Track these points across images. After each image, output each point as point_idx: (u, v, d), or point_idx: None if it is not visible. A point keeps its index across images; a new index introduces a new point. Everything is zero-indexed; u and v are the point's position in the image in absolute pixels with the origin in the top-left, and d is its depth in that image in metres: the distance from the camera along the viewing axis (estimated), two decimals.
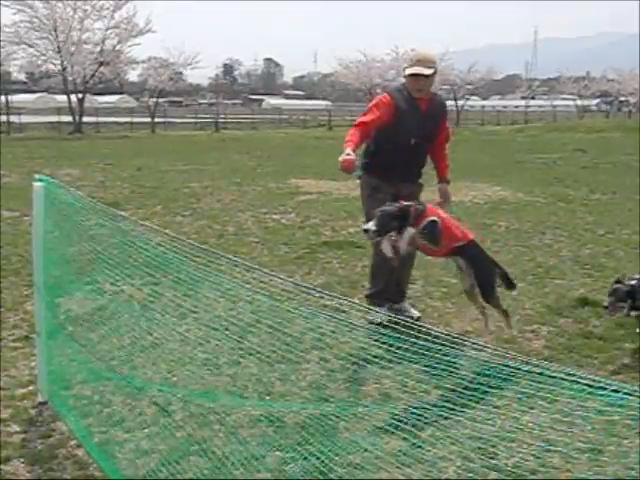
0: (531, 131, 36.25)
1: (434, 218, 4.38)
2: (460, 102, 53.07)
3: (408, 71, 4.78)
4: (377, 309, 4.82)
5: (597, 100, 78.15)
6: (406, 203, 4.36)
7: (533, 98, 76.09)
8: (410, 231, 4.34)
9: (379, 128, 4.76)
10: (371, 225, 4.30)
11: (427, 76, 4.72)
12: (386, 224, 4.29)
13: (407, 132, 4.77)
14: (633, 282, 4.38)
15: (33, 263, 3.54)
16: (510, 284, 4.83)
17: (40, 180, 3.43)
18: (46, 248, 3.56)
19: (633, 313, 4.39)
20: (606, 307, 4.38)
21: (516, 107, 74.83)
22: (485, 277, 4.62)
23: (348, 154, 4.34)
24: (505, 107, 78.99)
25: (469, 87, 54.82)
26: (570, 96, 68.07)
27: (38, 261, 3.46)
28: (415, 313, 5.10)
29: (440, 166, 5.20)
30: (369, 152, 4.95)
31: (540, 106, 73.62)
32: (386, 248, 4.40)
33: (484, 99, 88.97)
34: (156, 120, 39.79)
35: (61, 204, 3.63)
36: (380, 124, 4.73)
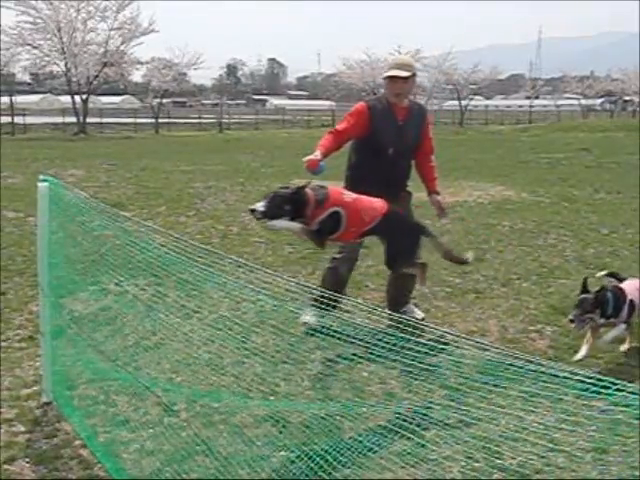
0: (535, 131, 36.20)
1: (336, 209, 3.96)
2: (464, 102, 53.02)
3: (385, 74, 4.75)
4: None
5: (601, 99, 77.95)
6: (304, 186, 3.95)
7: (537, 98, 75.97)
8: (296, 226, 3.96)
9: (357, 137, 4.74)
10: (260, 205, 3.82)
11: (404, 79, 4.65)
12: (277, 207, 3.84)
13: (384, 141, 4.70)
14: (598, 290, 4.20)
15: (38, 263, 3.55)
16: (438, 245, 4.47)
17: (44, 181, 3.44)
18: (51, 248, 3.57)
19: (602, 321, 4.18)
20: (571, 320, 4.12)
21: (520, 107, 74.82)
22: (399, 248, 4.23)
23: (315, 155, 4.38)
24: (509, 107, 78.99)
25: (473, 87, 54.74)
26: (574, 96, 67.91)
27: (43, 261, 3.46)
28: (419, 314, 5.10)
29: (427, 179, 5.06)
30: (350, 164, 4.90)
31: (544, 106, 73.59)
32: (274, 225, 3.99)
33: (488, 99, 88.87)
34: (160, 121, 39.87)
35: (65, 205, 3.64)
36: (354, 133, 4.71)
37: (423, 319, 5.03)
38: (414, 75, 4.77)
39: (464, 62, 56.21)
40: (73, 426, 3.38)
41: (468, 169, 15.96)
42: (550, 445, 3.22)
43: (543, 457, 3.06)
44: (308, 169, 4.43)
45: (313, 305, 4.77)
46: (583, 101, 64.08)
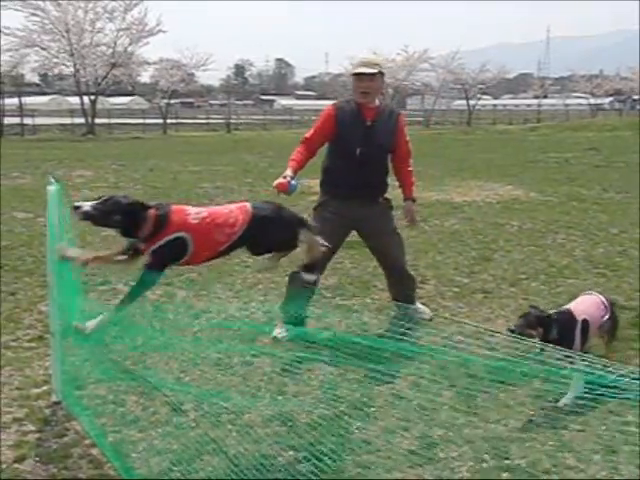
0: (543, 130, 36.10)
1: (180, 234, 3.33)
2: (472, 102, 52.93)
3: (351, 72, 4.70)
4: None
5: (610, 98, 77.62)
6: (145, 202, 3.38)
7: (545, 97, 75.76)
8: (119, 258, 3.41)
9: (326, 141, 4.72)
10: (87, 205, 3.22)
11: (371, 76, 4.56)
12: (106, 213, 3.22)
13: (351, 142, 4.63)
14: (551, 313, 3.90)
15: (47, 264, 3.57)
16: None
17: (54, 183, 3.46)
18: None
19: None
20: (512, 331, 3.82)
21: (528, 106, 74.60)
22: (274, 244, 3.64)
23: (284, 176, 4.40)
24: (517, 106, 78.78)
25: (481, 86, 54.66)
26: (583, 94, 67.65)
27: (52, 262, 3.48)
28: (427, 313, 5.10)
29: (404, 184, 4.90)
30: (323, 167, 4.84)
31: (552, 105, 73.32)
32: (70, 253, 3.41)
33: (496, 98, 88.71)
34: (168, 121, 39.99)
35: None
36: (322, 137, 4.70)
37: (431, 319, 5.04)
38: (381, 74, 4.65)
39: (472, 61, 56.12)
40: (82, 425, 3.39)
41: (476, 169, 15.93)
42: (559, 445, 3.22)
43: (552, 457, 3.06)
44: (279, 192, 4.44)
45: (283, 319, 4.79)
46: (592, 100, 63.83)
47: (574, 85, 71.86)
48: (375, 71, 4.58)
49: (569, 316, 3.91)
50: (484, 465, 3.04)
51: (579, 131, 33.13)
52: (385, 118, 4.71)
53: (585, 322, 3.93)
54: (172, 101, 45.12)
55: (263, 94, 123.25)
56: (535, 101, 71.66)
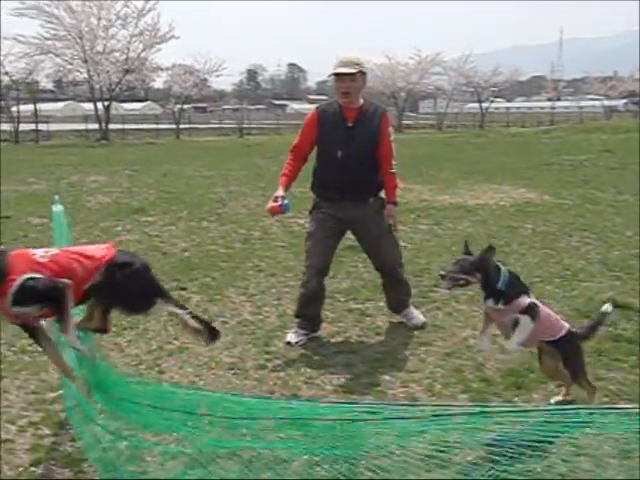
0: (557, 133, 35.89)
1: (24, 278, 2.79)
2: (484, 104, 52.75)
3: (331, 72, 4.62)
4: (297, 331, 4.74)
5: (624, 100, 77.08)
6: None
7: (559, 99, 75.33)
8: None
9: (313, 145, 4.73)
10: None
11: (351, 75, 4.50)
12: None
13: (331, 144, 4.61)
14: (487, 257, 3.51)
15: None
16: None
17: (58, 203, 3.51)
18: None
19: (490, 303, 3.47)
20: (443, 276, 3.48)
21: (542, 108, 74.18)
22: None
23: (276, 198, 4.53)
24: (530, 109, 78.37)
25: (493, 89, 54.46)
26: (597, 97, 67.24)
27: None
28: (420, 320, 5.00)
29: (385, 186, 4.74)
30: (312, 171, 4.84)
31: (566, 107, 72.88)
32: None
33: (509, 101, 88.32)
34: (181, 126, 40.18)
35: (88, 211, 3.70)
36: (308, 143, 4.72)
37: (424, 324, 4.97)
38: (363, 73, 4.57)
39: (484, 64, 55.97)
40: (96, 429, 3.41)
41: (489, 172, 15.86)
42: (575, 449, 3.19)
43: (567, 461, 3.03)
44: (274, 215, 4.63)
45: (297, 325, 4.80)
46: (606, 102, 63.43)
47: (588, 87, 71.51)
48: (355, 71, 4.50)
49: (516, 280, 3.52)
50: (500, 469, 3.02)
51: (593, 133, 32.90)
52: (368, 118, 4.63)
53: (536, 307, 3.50)
54: (185, 106, 45.30)
55: (275, 98, 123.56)
56: (548, 104, 71.28)
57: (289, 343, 4.64)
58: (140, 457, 3.13)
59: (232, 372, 4.17)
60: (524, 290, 3.51)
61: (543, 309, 3.56)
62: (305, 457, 3.12)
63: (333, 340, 4.81)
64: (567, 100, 78.16)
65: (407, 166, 17.48)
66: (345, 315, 5.29)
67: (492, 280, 3.43)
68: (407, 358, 4.42)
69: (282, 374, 4.13)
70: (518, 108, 78.37)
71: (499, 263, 3.59)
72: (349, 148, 4.57)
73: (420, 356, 4.45)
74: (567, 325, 3.66)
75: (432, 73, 51.05)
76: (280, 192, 4.59)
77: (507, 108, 67.40)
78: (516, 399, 3.68)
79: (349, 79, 4.51)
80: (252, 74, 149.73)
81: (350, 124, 4.60)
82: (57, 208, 3.58)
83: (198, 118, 56.17)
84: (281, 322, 5.12)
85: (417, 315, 5.05)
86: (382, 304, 5.52)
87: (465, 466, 3.06)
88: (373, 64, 51.12)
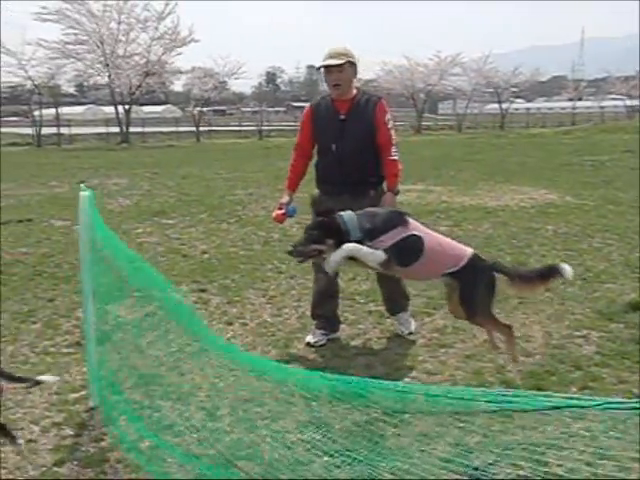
0: (578, 133, 35.58)
1: None
2: (504, 105, 52.41)
3: (318, 65, 4.57)
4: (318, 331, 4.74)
5: None
6: None
7: (580, 99, 74.62)
8: None
9: (313, 141, 4.72)
10: None
11: (339, 67, 4.42)
12: None
13: (326, 138, 4.59)
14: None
15: (82, 269, 3.63)
16: None
17: (86, 189, 3.53)
18: (95, 255, 3.64)
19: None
20: (290, 252, 3.47)
21: (562, 109, 73.59)
22: None
23: (280, 205, 4.62)
24: (551, 109, 77.77)
25: (514, 90, 54.11)
26: (619, 96, 66.49)
27: (86, 268, 3.55)
28: (410, 329, 4.90)
29: (386, 175, 4.59)
30: (314, 165, 4.81)
31: (587, 107, 72.19)
32: None
33: (529, 101, 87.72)
34: (201, 129, 40.38)
35: (109, 213, 3.73)
36: (309, 138, 4.72)
37: (410, 333, 4.87)
38: (351, 63, 4.48)
39: (504, 64, 55.60)
40: (118, 430, 3.43)
41: (510, 173, 15.76)
42: (598, 453, 3.15)
43: (591, 465, 3.00)
44: (279, 223, 4.74)
45: (315, 325, 4.79)
46: (628, 102, 62.71)
47: (609, 87, 70.69)
48: (342, 61, 4.43)
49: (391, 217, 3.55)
50: (521, 473, 3.00)
51: (615, 133, 32.56)
52: (362, 108, 4.54)
53: (412, 239, 3.51)
54: (205, 109, 45.52)
55: (294, 101, 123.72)
56: (569, 104, 70.63)
57: (308, 344, 4.65)
58: (162, 458, 3.15)
59: (252, 374, 4.18)
60: (394, 224, 3.51)
61: (432, 239, 3.55)
62: (325, 459, 3.12)
63: (353, 342, 4.80)
64: (588, 100, 77.41)
65: (427, 167, 17.44)
66: (365, 317, 5.28)
67: (345, 238, 3.38)
68: (427, 360, 4.40)
69: (301, 376, 4.12)
70: (538, 109, 77.82)
71: (341, 214, 3.53)
72: (343, 141, 4.51)
73: (440, 358, 4.43)
74: (469, 253, 3.60)
75: (451, 74, 50.85)
76: (284, 199, 4.65)
77: (527, 109, 66.95)
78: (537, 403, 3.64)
79: (337, 70, 4.44)
80: (271, 76, 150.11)
81: (343, 116, 4.54)
82: (84, 194, 3.62)
83: (218, 121, 56.45)
84: (301, 324, 5.12)
85: (410, 321, 4.96)
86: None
87: (486, 469, 3.04)
88: (392, 65, 51.14)
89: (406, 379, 4.07)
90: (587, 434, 3.11)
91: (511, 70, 53.59)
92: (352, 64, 4.49)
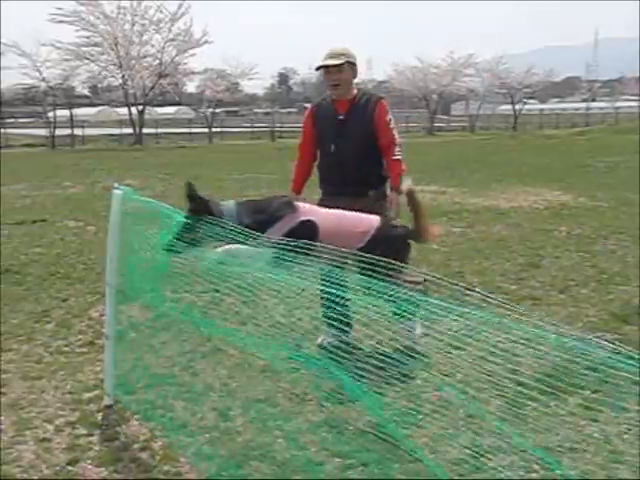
0: (592, 134, 35.38)
1: None
2: (518, 106, 52.18)
3: (318, 65, 4.52)
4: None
5: None
6: None
7: (594, 100, 74.23)
8: None
9: (314, 141, 4.69)
10: None
11: (338, 67, 4.37)
12: None
13: (325, 139, 4.57)
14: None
15: (107, 267, 3.67)
16: None
17: (119, 188, 3.57)
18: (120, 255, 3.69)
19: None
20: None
21: (576, 110, 73.18)
22: None
23: None
24: (564, 110, 77.38)
25: (527, 90, 53.85)
26: (633, 97, 66.07)
27: (112, 266, 3.59)
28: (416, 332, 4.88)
29: (389, 174, 4.53)
30: (317, 166, 4.78)
31: (601, 108, 71.79)
32: None
33: (542, 102, 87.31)
34: (213, 130, 40.52)
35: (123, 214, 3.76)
36: (311, 139, 4.68)
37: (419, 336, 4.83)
38: (351, 63, 4.43)
39: (518, 65, 55.31)
40: (132, 429, 3.45)
41: (523, 174, 15.70)
42: (612, 456, 3.14)
43: (605, 468, 2.98)
44: None
45: (327, 326, 4.76)
46: None
47: (624, 87, 70.30)
48: (341, 61, 4.38)
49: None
50: (534, 475, 2.99)
51: (629, 134, 32.34)
52: (361, 108, 4.50)
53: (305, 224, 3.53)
54: (217, 110, 45.67)
55: (307, 102, 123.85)
56: (583, 105, 70.27)
57: (320, 345, 4.65)
58: (174, 458, 3.17)
59: (265, 374, 4.19)
60: (282, 213, 3.55)
61: (329, 220, 3.64)
62: (338, 460, 3.12)
63: (365, 343, 4.79)
64: (602, 101, 76.96)
65: (439, 169, 17.40)
66: (376, 318, 5.27)
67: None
68: (439, 361, 4.39)
69: (314, 377, 4.13)
70: (552, 109, 77.44)
71: (222, 203, 3.64)
72: (342, 141, 4.49)
73: (453, 360, 4.41)
74: (374, 225, 3.69)
75: (465, 75, 50.70)
76: None
77: (541, 110, 66.62)
78: (552, 404, 3.63)
79: (336, 70, 4.40)
80: (283, 77, 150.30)
81: (342, 117, 4.51)
82: (117, 192, 3.67)
83: (230, 122, 56.57)
84: (313, 325, 5.12)
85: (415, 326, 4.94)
86: None
87: (498, 471, 3.03)
88: (404, 67, 51.07)
89: (417, 381, 4.05)
90: (601, 437, 3.09)
91: (524, 71, 53.32)
92: (351, 64, 4.47)
